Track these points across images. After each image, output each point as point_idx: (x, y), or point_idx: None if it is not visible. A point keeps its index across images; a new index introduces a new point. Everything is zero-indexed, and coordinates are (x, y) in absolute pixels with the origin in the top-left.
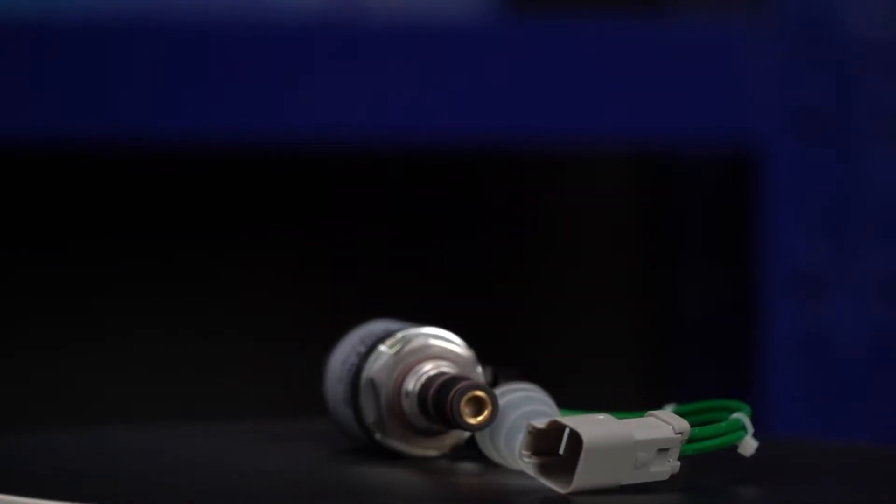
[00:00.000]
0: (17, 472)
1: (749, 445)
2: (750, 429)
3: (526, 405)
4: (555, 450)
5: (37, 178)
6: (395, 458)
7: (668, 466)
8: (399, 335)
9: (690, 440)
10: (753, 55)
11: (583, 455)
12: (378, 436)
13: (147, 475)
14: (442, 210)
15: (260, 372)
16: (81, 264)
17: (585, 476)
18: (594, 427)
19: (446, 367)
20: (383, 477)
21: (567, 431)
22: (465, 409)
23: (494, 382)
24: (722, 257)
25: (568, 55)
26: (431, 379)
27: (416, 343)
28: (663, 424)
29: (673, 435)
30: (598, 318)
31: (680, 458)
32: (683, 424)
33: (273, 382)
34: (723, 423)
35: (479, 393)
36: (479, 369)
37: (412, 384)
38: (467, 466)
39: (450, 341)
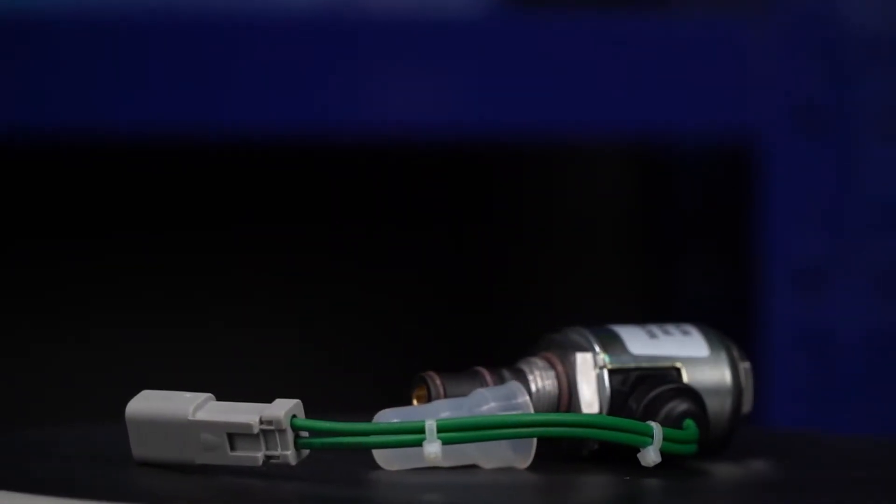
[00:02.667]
0: (14, 468)
1: (429, 451)
2: (431, 436)
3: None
4: None
5: (34, 174)
6: None
7: (260, 454)
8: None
9: (377, 433)
10: (753, 50)
11: (127, 424)
12: None
13: (140, 470)
14: (442, 204)
15: (258, 368)
16: (78, 260)
17: (142, 447)
18: (150, 401)
19: (540, 363)
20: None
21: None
22: (413, 393)
23: (635, 385)
24: (721, 251)
25: (568, 49)
26: None
27: (543, 340)
28: (251, 410)
29: (250, 422)
30: (597, 311)
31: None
32: (275, 413)
33: (271, 379)
34: (400, 423)
35: (425, 378)
36: (599, 371)
37: None
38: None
39: (581, 335)
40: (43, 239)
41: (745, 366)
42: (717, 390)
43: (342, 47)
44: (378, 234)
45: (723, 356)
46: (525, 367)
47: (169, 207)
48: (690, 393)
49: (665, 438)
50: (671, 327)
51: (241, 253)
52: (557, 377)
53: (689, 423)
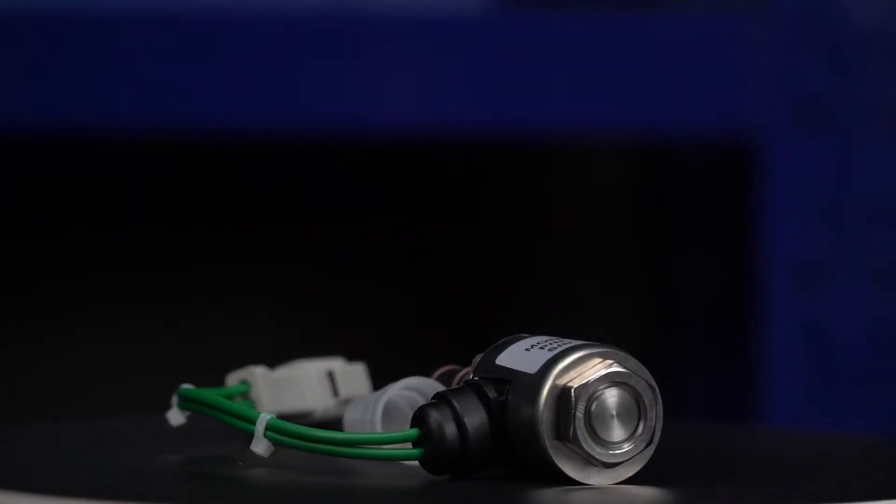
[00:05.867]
0: (12, 467)
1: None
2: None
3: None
4: None
5: (32, 168)
6: None
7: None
8: None
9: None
10: (753, 45)
11: None
12: None
13: (139, 468)
14: (440, 202)
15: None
16: (75, 257)
17: None
18: None
19: None
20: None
21: None
22: None
23: None
24: (721, 247)
25: (566, 47)
26: None
27: None
28: None
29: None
30: (598, 308)
31: None
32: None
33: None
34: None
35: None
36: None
37: None
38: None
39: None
40: (40, 237)
41: (561, 387)
42: (527, 406)
43: (340, 46)
44: (377, 233)
45: (538, 375)
46: None
47: (170, 206)
48: (441, 404)
49: (391, 441)
50: (567, 342)
51: (242, 252)
52: None
53: (414, 429)
